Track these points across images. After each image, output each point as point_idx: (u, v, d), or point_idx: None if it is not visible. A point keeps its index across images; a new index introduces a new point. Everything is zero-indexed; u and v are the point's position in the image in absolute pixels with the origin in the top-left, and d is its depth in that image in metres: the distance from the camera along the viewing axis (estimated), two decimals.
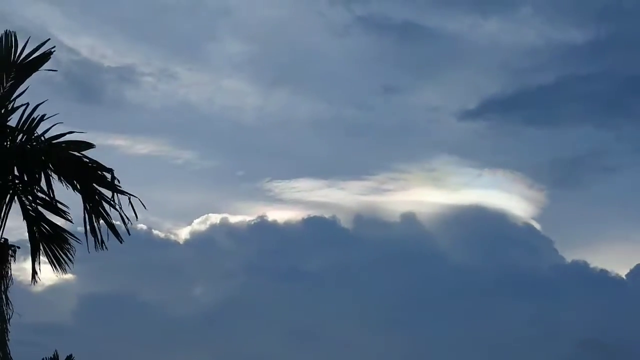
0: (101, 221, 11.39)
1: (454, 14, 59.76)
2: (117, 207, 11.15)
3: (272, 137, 62.59)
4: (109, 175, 11.14)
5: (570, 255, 56.92)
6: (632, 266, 55.30)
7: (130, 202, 11.17)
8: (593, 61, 56.01)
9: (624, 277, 54.82)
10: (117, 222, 11.40)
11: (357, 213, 57.91)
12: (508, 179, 59.98)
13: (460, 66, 60.45)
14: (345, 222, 55.70)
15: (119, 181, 11.12)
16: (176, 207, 59.63)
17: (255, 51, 59.10)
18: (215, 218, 55.82)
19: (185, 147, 60.35)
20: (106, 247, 11.48)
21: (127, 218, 11.18)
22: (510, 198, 59.35)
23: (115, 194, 11.16)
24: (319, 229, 54.01)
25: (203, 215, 56.46)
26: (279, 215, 57.57)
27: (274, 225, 55.60)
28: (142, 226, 48.82)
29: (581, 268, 54.34)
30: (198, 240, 54.34)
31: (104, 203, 11.28)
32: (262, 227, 55.25)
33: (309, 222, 55.12)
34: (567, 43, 57.17)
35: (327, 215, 55.97)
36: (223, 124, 61.43)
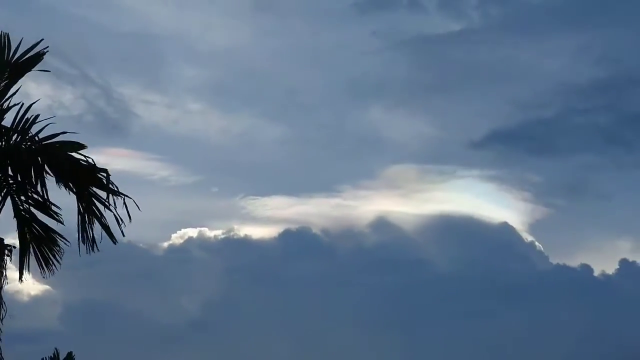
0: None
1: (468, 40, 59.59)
2: (111, 208, 11.10)
3: (240, 156, 62.69)
4: (103, 176, 11.11)
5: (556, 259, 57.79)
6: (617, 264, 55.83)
7: (124, 203, 11.12)
8: (595, 97, 57.40)
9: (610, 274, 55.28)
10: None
11: (331, 226, 58.49)
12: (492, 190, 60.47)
13: (466, 94, 60.74)
14: (321, 234, 56.28)
15: (113, 184, 11.09)
16: (154, 222, 59.11)
17: (216, 76, 59.02)
18: (192, 232, 56.05)
19: (159, 164, 59.75)
20: (98, 249, 11.42)
21: (122, 219, 11.14)
22: (497, 209, 60.00)
23: (109, 195, 11.12)
24: (295, 242, 54.73)
25: (181, 229, 56.41)
26: (254, 229, 58.11)
27: (251, 239, 56.17)
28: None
29: (565, 269, 55.01)
30: (178, 253, 54.45)
31: (97, 204, 11.22)
32: (239, 241, 55.81)
33: (285, 235, 55.76)
34: (571, 82, 58.51)
35: (302, 229, 56.45)
36: (192, 143, 61.26)
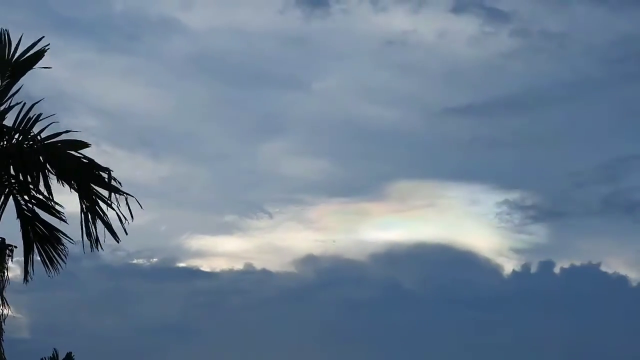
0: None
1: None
2: (114, 206, 11.09)
3: (172, 199, 62.89)
4: (105, 175, 11.09)
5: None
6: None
7: (127, 202, 11.12)
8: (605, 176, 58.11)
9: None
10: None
11: (275, 258, 61.73)
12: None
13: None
14: (267, 267, 57.95)
15: (117, 181, 11.08)
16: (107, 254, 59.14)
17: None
18: (145, 263, 57.13)
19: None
20: (101, 247, 11.42)
21: (125, 217, 11.13)
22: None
23: (111, 193, 11.11)
24: (244, 274, 56.59)
25: (134, 260, 56.90)
26: (202, 262, 60.66)
27: (200, 271, 57.63)
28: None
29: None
30: (141, 283, 55.74)
31: (100, 203, 11.22)
32: (192, 274, 57.03)
33: (232, 269, 57.97)
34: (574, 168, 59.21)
35: (248, 263, 57.92)
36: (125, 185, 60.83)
